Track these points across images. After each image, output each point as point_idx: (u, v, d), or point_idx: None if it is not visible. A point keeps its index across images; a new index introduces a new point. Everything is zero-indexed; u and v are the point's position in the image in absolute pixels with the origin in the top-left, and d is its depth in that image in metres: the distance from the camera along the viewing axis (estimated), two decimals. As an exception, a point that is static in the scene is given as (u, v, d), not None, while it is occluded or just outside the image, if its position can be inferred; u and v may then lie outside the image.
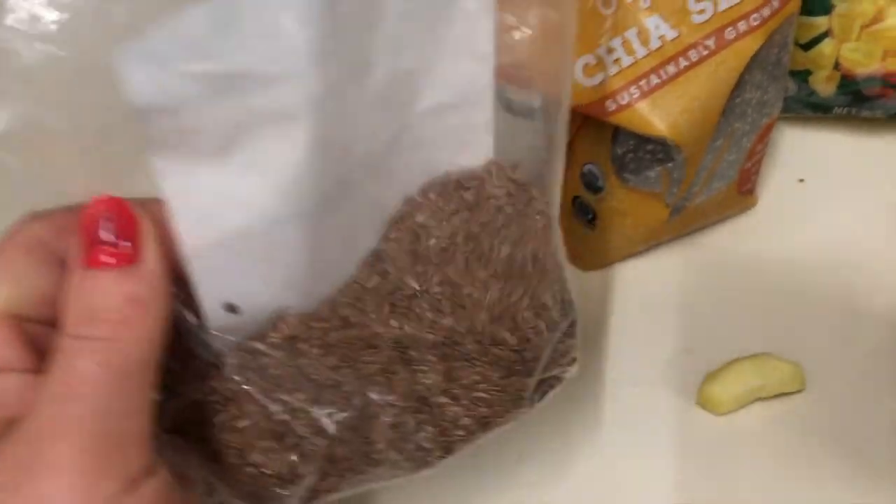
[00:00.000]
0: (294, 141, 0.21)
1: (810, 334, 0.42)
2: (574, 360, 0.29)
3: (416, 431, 0.27)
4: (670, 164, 0.39)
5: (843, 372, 0.41)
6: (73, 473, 0.20)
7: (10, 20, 0.19)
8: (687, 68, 0.37)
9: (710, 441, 0.39)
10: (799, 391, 0.40)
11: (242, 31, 0.19)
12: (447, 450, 0.28)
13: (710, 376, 0.40)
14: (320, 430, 0.25)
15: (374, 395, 0.26)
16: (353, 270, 0.25)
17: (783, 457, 0.39)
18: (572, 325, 0.29)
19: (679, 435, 0.40)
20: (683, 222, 0.44)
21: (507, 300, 0.27)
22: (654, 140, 0.38)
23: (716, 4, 0.37)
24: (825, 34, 0.45)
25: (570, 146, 0.42)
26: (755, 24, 0.38)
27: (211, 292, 0.23)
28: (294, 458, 0.25)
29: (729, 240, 0.46)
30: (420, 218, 0.26)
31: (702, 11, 0.37)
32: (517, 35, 0.25)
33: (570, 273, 0.30)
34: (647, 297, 0.44)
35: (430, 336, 0.26)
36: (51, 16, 0.19)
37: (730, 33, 0.37)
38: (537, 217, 0.27)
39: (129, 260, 0.21)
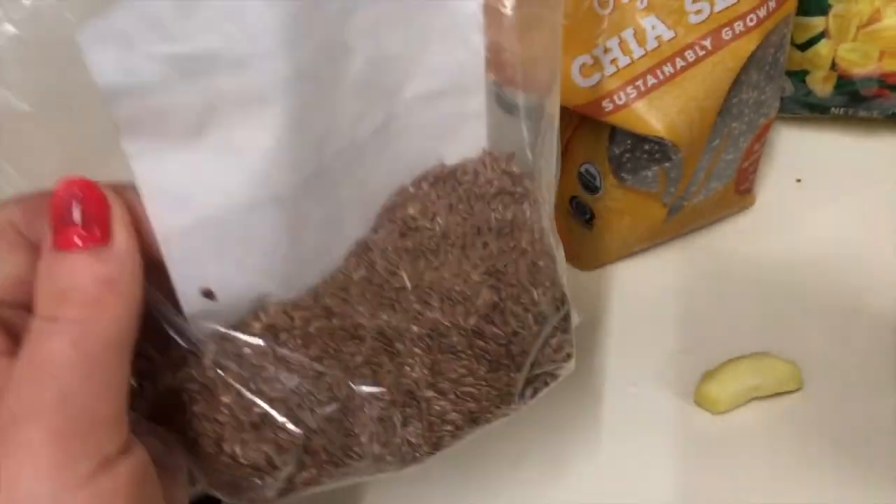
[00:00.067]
0: (266, 125, 0.21)
1: (807, 334, 0.42)
2: (569, 356, 0.29)
3: (403, 426, 0.27)
4: (667, 164, 0.39)
5: (839, 371, 0.41)
6: (45, 454, 0.20)
7: None
8: (684, 68, 0.37)
9: (707, 440, 0.39)
10: (796, 390, 0.40)
11: (208, 12, 0.19)
12: (435, 446, 0.27)
13: (708, 375, 0.40)
14: (299, 422, 0.25)
15: (357, 388, 0.26)
16: (339, 261, 0.25)
17: (780, 455, 0.39)
18: (565, 319, 0.29)
19: (677, 434, 0.40)
20: (681, 222, 0.44)
21: (496, 294, 0.26)
22: (652, 140, 0.38)
23: (712, 5, 0.37)
24: (822, 35, 0.45)
25: (568, 146, 0.42)
26: (752, 24, 0.38)
27: (186, 277, 0.23)
28: (270, 449, 0.25)
29: (726, 239, 0.46)
30: (411, 209, 0.26)
31: (698, 12, 0.37)
32: (505, 22, 0.25)
33: (568, 273, 0.30)
34: (645, 296, 0.44)
35: (416, 328, 0.26)
36: None
37: (726, 33, 0.37)
38: (529, 210, 0.27)
39: (99, 241, 0.21)
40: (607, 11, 0.37)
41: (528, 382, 0.28)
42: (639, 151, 0.40)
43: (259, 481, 0.25)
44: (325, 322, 0.25)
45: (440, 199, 0.26)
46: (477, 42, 0.24)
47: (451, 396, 0.27)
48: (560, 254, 0.29)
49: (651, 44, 0.37)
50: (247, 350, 0.24)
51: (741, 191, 0.45)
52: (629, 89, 0.37)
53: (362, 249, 0.25)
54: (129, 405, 0.22)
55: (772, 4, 0.38)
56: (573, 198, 0.44)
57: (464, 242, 0.26)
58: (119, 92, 0.20)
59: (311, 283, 0.25)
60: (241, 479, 0.25)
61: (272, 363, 0.25)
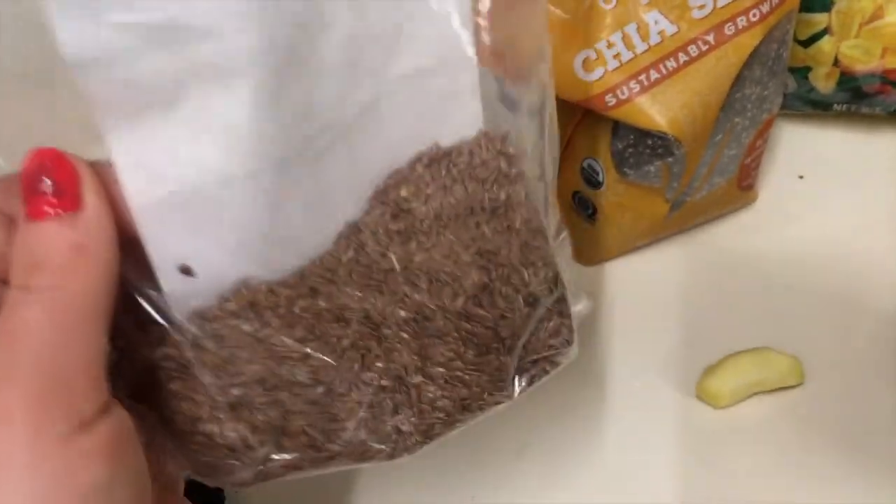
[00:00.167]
0: (238, 98, 0.21)
1: (809, 329, 0.42)
2: (568, 342, 0.28)
3: (392, 413, 0.26)
4: (670, 159, 0.39)
5: (841, 366, 0.41)
6: (20, 417, 0.20)
7: None
8: (687, 63, 0.38)
9: (709, 434, 0.40)
10: (797, 385, 0.40)
11: None
12: (426, 434, 0.27)
13: (710, 370, 0.40)
14: (276, 403, 0.25)
15: (344, 372, 0.25)
16: (329, 244, 0.25)
17: (782, 450, 0.39)
18: (561, 302, 0.28)
19: (678, 428, 0.40)
20: (683, 217, 0.44)
21: (486, 274, 0.26)
22: (654, 135, 0.38)
23: (715, 0, 0.37)
24: (824, 31, 0.45)
25: (570, 141, 0.42)
26: (754, 19, 0.38)
27: (163, 253, 0.23)
28: (246, 429, 0.25)
29: (729, 235, 0.46)
30: (404, 191, 0.25)
31: (701, 7, 0.37)
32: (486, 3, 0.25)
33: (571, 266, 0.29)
34: (647, 291, 0.44)
35: (402, 312, 0.25)
36: None
37: (729, 29, 0.38)
38: (524, 190, 0.26)
39: (69, 208, 0.21)
40: (610, 6, 0.37)
41: (525, 369, 0.28)
42: (641, 146, 0.40)
43: (236, 462, 0.25)
44: (310, 302, 0.25)
45: (434, 181, 0.25)
46: (465, 14, 0.24)
47: (441, 382, 0.26)
48: (564, 240, 0.28)
49: (654, 39, 0.37)
50: (226, 329, 0.24)
51: (743, 187, 0.45)
52: (632, 84, 0.37)
53: (353, 231, 0.25)
54: (108, 374, 0.22)
55: (775, 0, 0.38)
56: (575, 193, 0.44)
57: (456, 224, 0.25)
58: (87, 64, 0.20)
59: (297, 266, 0.25)
60: (217, 459, 0.25)
61: (253, 343, 0.24)
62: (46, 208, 0.21)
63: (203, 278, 0.24)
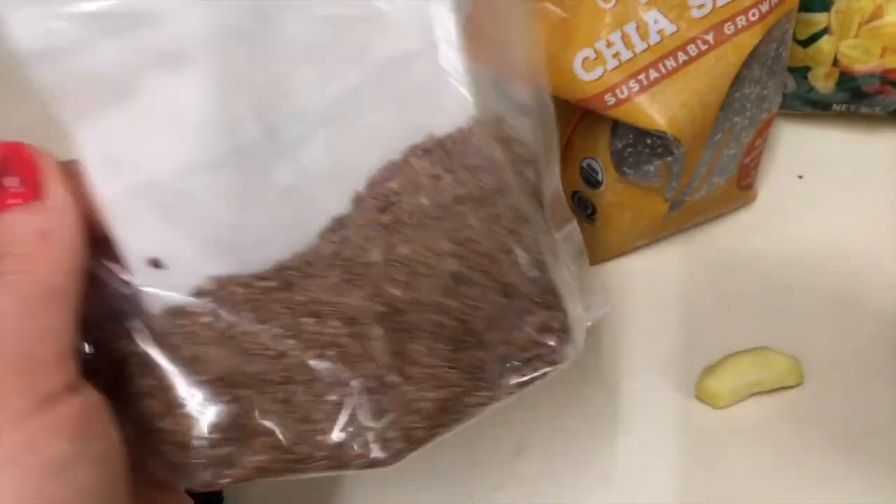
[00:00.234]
0: (192, 83, 0.21)
1: (808, 329, 0.42)
2: (562, 340, 0.26)
3: (370, 415, 0.25)
4: (669, 159, 0.39)
5: (840, 366, 0.41)
6: None
7: None
8: (686, 63, 0.38)
9: (708, 434, 0.40)
10: (796, 385, 0.40)
11: None
12: (408, 439, 0.25)
13: (709, 370, 0.40)
14: (240, 401, 0.24)
15: (318, 371, 0.24)
16: (313, 238, 0.24)
17: (781, 450, 0.39)
18: (547, 293, 0.26)
19: (677, 428, 0.40)
20: (683, 217, 0.44)
21: (461, 264, 0.25)
22: (654, 134, 0.38)
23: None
24: (824, 31, 0.45)
25: (569, 141, 0.42)
26: (754, 19, 0.38)
27: (132, 245, 0.23)
28: (209, 428, 0.24)
29: (728, 235, 0.46)
30: (394, 184, 0.24)
31: (701, 6, 0.37)
32: None
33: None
34: (647, 291, 0.44)
35: (379, 307, 0.24)
36: None
37: (729, 28, 0.38)
38: (516, 176, 0.25)
39: (32, 196, 0.22)
40: (610, 5, 0.37)
41: (513, 369, 0.26)
42: (641, 146, 0.40)
43: (199, 461, 0.25)
44: (285, 296, 0.24)
45: (425, 171, 0.24)
46: None
47: (419, 382, 0.25)
48: (572, 232, 0.27)
49: (653, 38, 0.37)
50: (196, 325, 0.24)
51: (743, 186, 0.45)
52: (631, 83, 0.37)
53: (338, 225, 0.24)
54: (85, 368, 0.22)
55: (774, 0, 0.38)
56: (575, 192, 0.44)
57: (443, 213, 0.24)
58: (40, 57, 0.20)
59: (276, 260, 0.24)
60: (180, 458, 0.25)
61: (223, 339, 0.24)
62: (11, 200, 0.22)
63: (174, 272, 0.23)
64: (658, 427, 0.40)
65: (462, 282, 0.25)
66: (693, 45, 0.37)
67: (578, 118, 0.41)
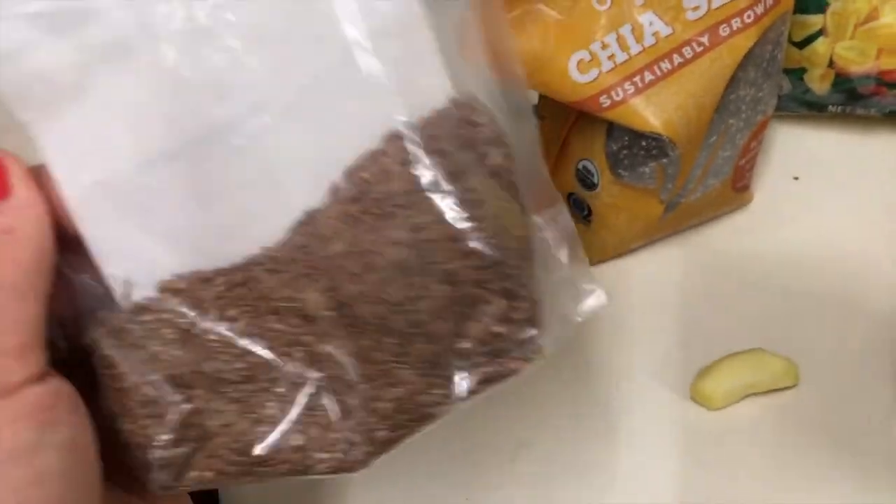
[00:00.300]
0: (137, 76, 0.21)
1: (803, 330, 0.42)
2: (527, 332, 0.24)
3: (331, 417, 0.24)
4: (665, 161, 0.39)
5: (835, 368, 0.41)
6: None
7: None
8: (681, 65, 0.38)
9: (703, 436, 0.40)
10: (792, 387, 0.40)
11: None
12: (371, 443, 0.24)
13: (704, 371, 0.40)
14: (193, 400, 0.24)
15: (274, 369, 0.24)
16: (281, 232, 0.23)
17: (776, 452, 0.39)
18: (506, 279, 0.23)
19: (672, 430, 0.40)
20: (678, 219, 0.44)
21: (409, 252, 0.23)
22: (649, 136, 0.38)
23: (710, 1, 0.37)
24: (819, 32, 0.45)
25: (565, 143, 0.42)
26: (749, 21, 0.38)
27: (98, 242, 0.23)
28: (162, 430, 0.24)
29: (724, 237, 0.46)
30: (365, 173, 0.23)
31: (696, 8, 0.37)
32: None
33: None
34: (642, 293, 0.44)
35: (336, 301, 0.23)
36: None
37: (724, 30, 0.38)
38: (487, 158, 0.24)
39: None
40: (605, 7, 0.37)
41: (476, 365, 0.24)
42: (636, 148, 0.40)
43: (155, 462, 0.24)
44: (248, 291, 0.23)
45: (397, 158, 0.23)
46: None
47: (374, 381, 0.24)
48: (558, 215, 0.26)
49: (648, 40, 0.37)
50: (157, 322, 0.24)
51: (738, 188, 0.45)
52: (626, 85, 0.37)
53: (310, 218, 0.23)
54: (62, 365, 0.23)
55: (769, 1, 0.38)
56: (570, 194, 0.44)
57: (409, 200, 0.23)
58: None
59: (242, 254, 0.23)
60: (137, 459, 0.24)
61: (183, 336, 0.24)
62: None
63: (139, 268, 0.23)
64: (654, 428, 0.40)
65: (405, 271, 0.23)
66: (688, 48, 0.37)
67: (573, 120, 0.41)
